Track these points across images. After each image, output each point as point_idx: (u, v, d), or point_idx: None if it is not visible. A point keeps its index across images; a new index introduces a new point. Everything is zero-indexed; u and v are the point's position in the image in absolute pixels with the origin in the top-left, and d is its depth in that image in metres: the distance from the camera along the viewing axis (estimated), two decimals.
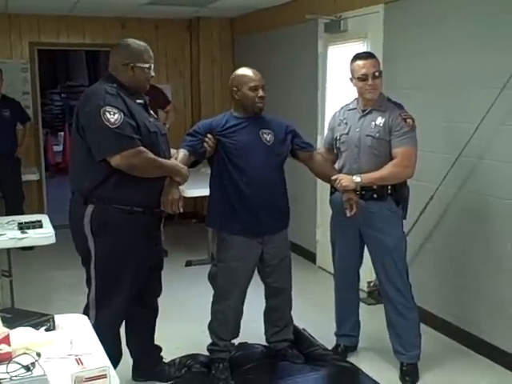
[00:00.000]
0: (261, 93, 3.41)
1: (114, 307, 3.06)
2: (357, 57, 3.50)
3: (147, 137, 2.96)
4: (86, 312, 3.00)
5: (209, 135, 3.41)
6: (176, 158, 3.28)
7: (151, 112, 3.18)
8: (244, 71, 3.48)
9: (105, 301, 3.04)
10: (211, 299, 3.61)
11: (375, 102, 3.48)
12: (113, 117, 2.81)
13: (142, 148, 2.88)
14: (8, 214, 5.54)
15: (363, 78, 3.43)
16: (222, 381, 3.49)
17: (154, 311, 3.45)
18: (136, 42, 3.09)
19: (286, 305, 3.75)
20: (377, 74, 3.43)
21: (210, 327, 3.63)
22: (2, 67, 6.36)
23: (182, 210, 3.09)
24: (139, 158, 2.88)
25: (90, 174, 2.95)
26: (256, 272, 3.63)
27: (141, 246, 3.06)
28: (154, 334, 3.50)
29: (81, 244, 3.05)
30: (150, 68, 3.08)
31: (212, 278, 3.59)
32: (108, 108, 2.82)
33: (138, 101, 3.07)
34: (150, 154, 2.92)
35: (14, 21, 7.00)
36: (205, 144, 3.40)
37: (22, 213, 5.68)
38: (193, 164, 3.45)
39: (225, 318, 3.56)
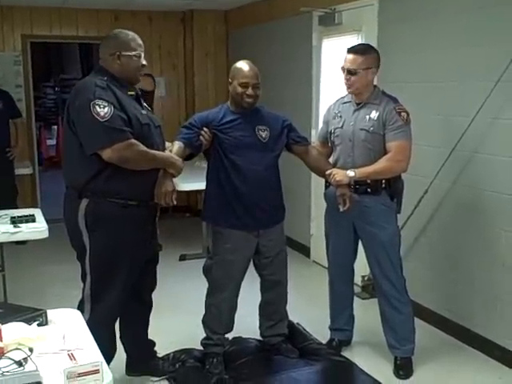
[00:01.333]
0: (249, 91, 3.37)
1: (108, 301, 3.04)
2: (349, 48, 3.49)
3: (139, 129, 2.94)
4: (80, 307, 2.99)
5: (205, 128, 3.39)
6: (171, 151, 3.26)
7: (144, 104, 3.15)
8: (241, 65, 3.44)
9: (100, 295, 3.03)
10: (205, 293, 3.60)
11: (370, 96, 3.47)
12: (102, 110, 2.79)
13: (133, 140, 2.86)
14: (1, 208, 5.51)
15: (342, 71, 3.44)
16: (216, 375, 3.48)
17: (148, 306, 3.44)
18: (123, 32, 3.07)
19: (281, 298, 3.74)
20: (351, 71, 3.39)
21: (204, 321, 3.62)
22: None
23: (175, 203, 3.07)
24: (130, 151, 2.85)
25: (83, 168, 2.93)
26: (251, 266, 3.62)
27: (135, 239, 3.04)
28: (147, 328, 3.49)
29: (75, 238, 3.03)
30: (138, 56, 3.04)
31: (207, 271, 3.58)
32: (98, 101, 2.79)
33: (130, 93, 3.04)
34: (142, 147, 2.90)
35: (6, 13, 6.96)
36: (201, 137, 3.38)
37: (15, 207, 5.65)
38: (188, 157, 3.43)
39: (219, 312, 3.56)
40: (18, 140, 6.52)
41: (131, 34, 3.07)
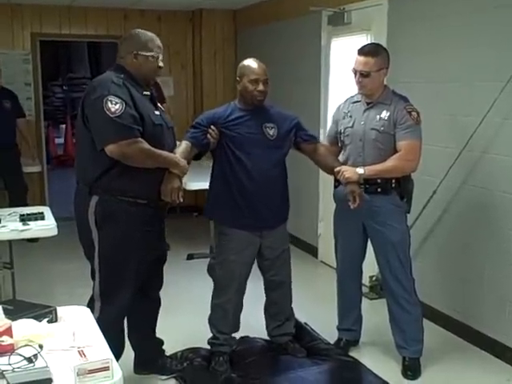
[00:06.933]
0: (260, 87, 3.38)
1: (118, 300, 3.05)
2: (358, 49, 3.47)
3: (151, 129, 2.95)
4: (90, 305, 2.99)
5: (212, 127, 3.39)
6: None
7: (158, 105, 3.16)
8: (249, 62, 3.45)
9: (109, 293, 3.04)
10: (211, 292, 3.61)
11: (380, 95, 3.46)
12: (114, 106, 2.80)
13: (138, 139, 2.86)
14: (12, 205, 5.54)
15: (354, 73, 3.43)
16: (222, 374, 3.48)
17: (156, 304, 3.44)
18: (143, 32, 3.10)
19: (285, 298, 3.74)
20: (364, 73, 3.38)
21: (210, 321, 3.62)
22: (3, 58, 6.31)
23: (182, 200, 3.07)
24: (132, 148, 2.84)
25: (93, 165, 2.94)
26: (255, 266, 3.62)
27: (143, 238, 3.04)
28: (155, 326, 3.49)
29: (84, 235, 3.04)
30: (155, 57, 3.05)
31: (211, 271, 3.59)
32: (110, 97, 2.81)
33: (145, 93, 3.05)
34: (146, 145, 2.89)
35: (16, 11, 6.98)
36: (208, 135, 3.38)
37: (25, 203, 5.69)
38: (197, 156, 3.44)
39: (224, 312, 3.56)
40: (29, 140, 6.56)
41: (151, 34, 3.09)
